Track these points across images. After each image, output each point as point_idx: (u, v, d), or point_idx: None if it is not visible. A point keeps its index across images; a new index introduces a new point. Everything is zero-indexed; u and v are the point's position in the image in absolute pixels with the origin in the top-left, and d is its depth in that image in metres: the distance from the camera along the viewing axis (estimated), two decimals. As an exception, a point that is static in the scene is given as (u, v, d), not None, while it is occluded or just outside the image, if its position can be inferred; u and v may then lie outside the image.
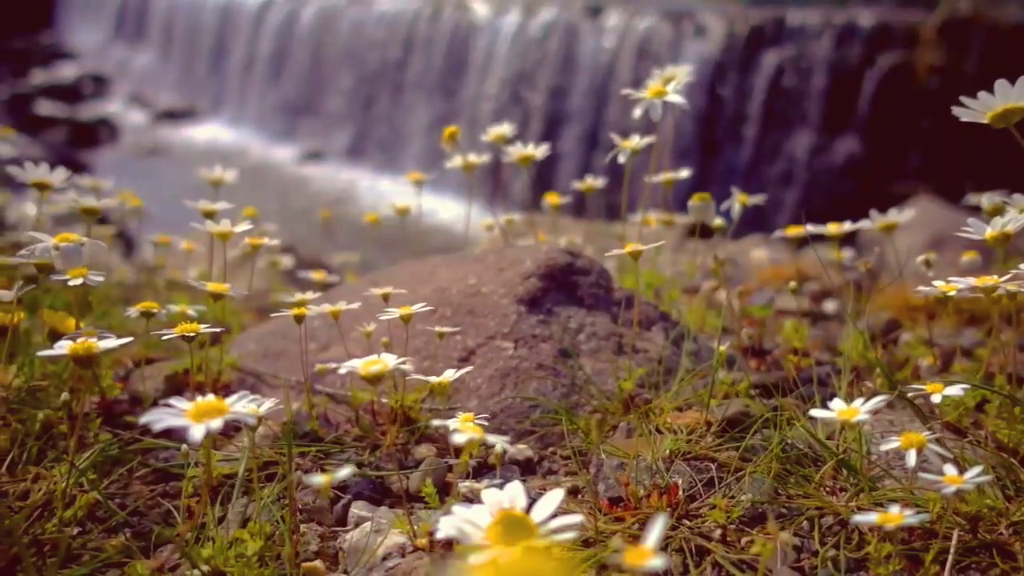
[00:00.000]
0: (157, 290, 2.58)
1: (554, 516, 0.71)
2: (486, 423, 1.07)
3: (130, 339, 1.11)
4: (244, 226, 1.46)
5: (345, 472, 0.86)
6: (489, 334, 1.60)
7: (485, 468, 1.35)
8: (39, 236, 1.28)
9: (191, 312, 1.50)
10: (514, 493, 0.74)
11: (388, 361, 1.05)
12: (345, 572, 1.07)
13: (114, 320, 1.90)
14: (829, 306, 2.48)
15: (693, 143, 8.93)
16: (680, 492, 1.15)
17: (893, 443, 1.00)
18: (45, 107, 14.09)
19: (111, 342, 1.05)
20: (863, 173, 8.39)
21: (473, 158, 2.06)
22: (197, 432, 0.81)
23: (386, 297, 1.47)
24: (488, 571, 0.55)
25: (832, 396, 1.21)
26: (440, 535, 0.71)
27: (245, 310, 2.46)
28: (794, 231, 1.88)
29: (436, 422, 1.05)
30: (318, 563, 1.06)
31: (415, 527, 1.09)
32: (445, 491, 1.26)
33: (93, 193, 2.16)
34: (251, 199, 2.61)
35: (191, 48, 14.95)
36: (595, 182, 2.15)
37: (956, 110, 1.12)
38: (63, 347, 1.03)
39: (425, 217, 2.55)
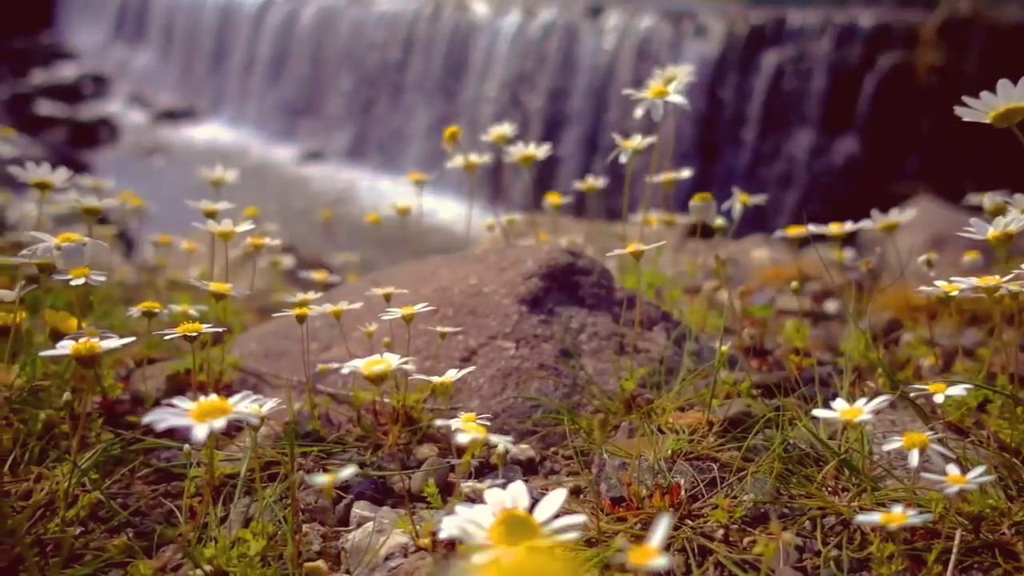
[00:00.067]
0: (158, 290, 2.58)
1: (557, 516, 0.71)
2: (488, 423, 1.07)
3: (132, 339, 1.11)
4: (246, 226, 1.46)
5: (348, 472, 0.86)
6: (491, 334, 1.60)
7: (487, 468, 1.35)
8: (41, 236, 1.28)
9: (193, 312, 1.50)
10: (517, 493, 0.74)
11: (391, 361, 1.05)
12: (348, 572, 1.07)
13: (115, 320, 1.90)
14: (830, 306, 2.48)
15: (693, 143, 8.93)
16: (682, 492, 1.15)
17: (895, 443, 1.00)
18: (45, 107, 14.09)
19: (113, 342, 1.05)
20: (863, 173, 8.39)
21: (474, 158, 2.07)
22: (200, 432, 0.81)
23: (388, 297, 1.47)
24: (493, 571, 0.55)
25: (834, 396, 1.21)
26: (443, 535, 0.71)
27: (246, 310, 2.46)
28: (795, 231, 1.88)
29: (439, 422, 1.05)
30: (320, 563, 1.06)
31: (417, 527, 1.09)
32: (447, 491, 1.25)
33: (94, 193, 2.16)
34: (251, 199, 2.60)
35: (191, 48, 14.96)
36: (596, 182, 2.15)
37: (958, 110, 1.12)
38: (65, 347, 1.03)
39: (425, 217, 2.55)
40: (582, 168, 9.08)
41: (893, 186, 7.75)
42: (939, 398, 1.11)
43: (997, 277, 1.19)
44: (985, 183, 2.10)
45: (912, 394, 1.24)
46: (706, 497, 1.17)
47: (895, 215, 1.72)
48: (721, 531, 1.08)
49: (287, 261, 2.86)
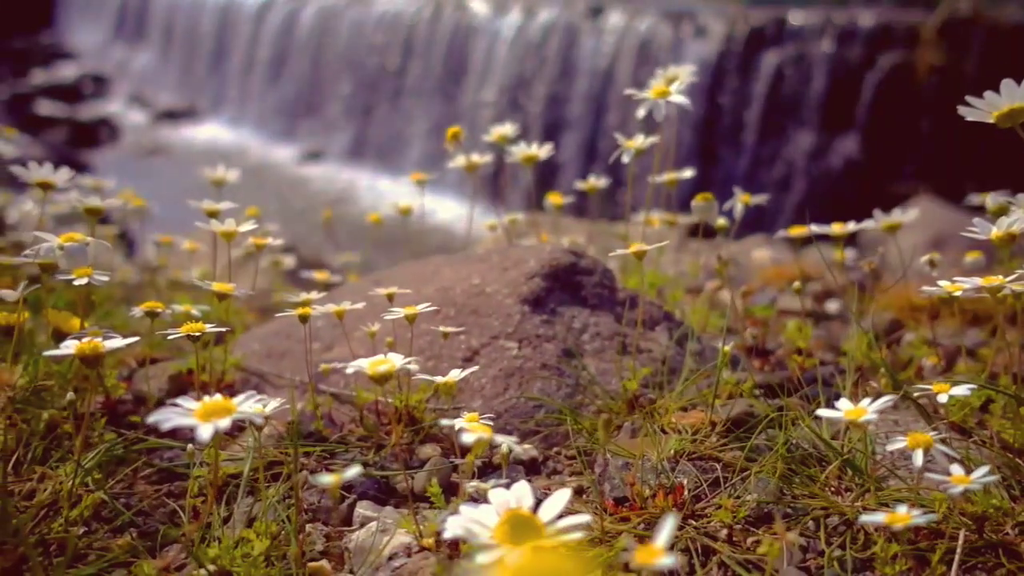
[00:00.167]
0: (159, 290, 2.58)
1: (561, 516, 0.71)
2: (491, 423, 1.07)
3: (136, 339, 1.11)
4: (248, 226, 1.46)
5: (353, 472, 0.86)
6: (493, 334, 1.60)
7: (490, 468, 1.35)
8: (43, 236, 1.28)
9: (195, 312, 1.50)
10: (521, 493, 0.74)
11: (395, 361, 1.05)
12: (351, 572, 1.07)
13: (117, 320, 1.90)
14: (831, 306, 2.48)
15: (693, 143, 8.93)
16: (685, 492, 1.15)
17: (899, 443, 1.00)
18: (45, 107, 14.09)
19: (117, 342, 1.05)
20: (863, 173, 8.39)
21: (476, 158, 2.07)
22: (205, 432, 0.81)
23: (390, 297, 1.47)
24: (503, 571, 0.55)
25: (836, 396, 1.21)
26: (447, 535, 0.71)
27: (248, 310, 2.46)
28: (797, 231, 1.88)
29: (444, 421, 1.05)
30: (324, 563, 1.06)
31: (421, 527, 1.09)
32: (450, 491, 1.26)
33: (95, 193, 2.16)
34: (251, 199, 2.60)
35: (191, 48, 14.95)
36: (598, 182, 2.15)
37: (962, 109, 1.12)
38: (69, 347, 1.03)
39: (425, 217, 2.55)
40: (582, 173, 9.06)
41: (893, 186, 7.75)
42: (943, 398, 1.11)
43: (1000, 277, 1.19)
44: (985, 183, 2.10)
45: (916, 394, 1.24)
46: (709, 497, 1.17)
47: (898, 215, 1.72)
48: (725, 531, 1.08)
49: (288, 261, 2.86)
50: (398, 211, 2.51)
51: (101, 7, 17.32)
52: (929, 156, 8.06)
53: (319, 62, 12.87)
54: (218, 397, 0.90)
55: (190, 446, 1.18)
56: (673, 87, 1.67)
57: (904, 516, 0.84)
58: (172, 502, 1.21)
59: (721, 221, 1.85)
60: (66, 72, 16.03)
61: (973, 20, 8.25)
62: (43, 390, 1.33)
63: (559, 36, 10.29)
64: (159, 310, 1.34)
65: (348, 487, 1.24)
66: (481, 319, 1.63)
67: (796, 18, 8.95)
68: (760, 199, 1.91)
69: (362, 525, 1.16)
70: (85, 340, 1.04)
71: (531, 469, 1.37)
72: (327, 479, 0.84)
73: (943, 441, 1.03)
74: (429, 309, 1.37)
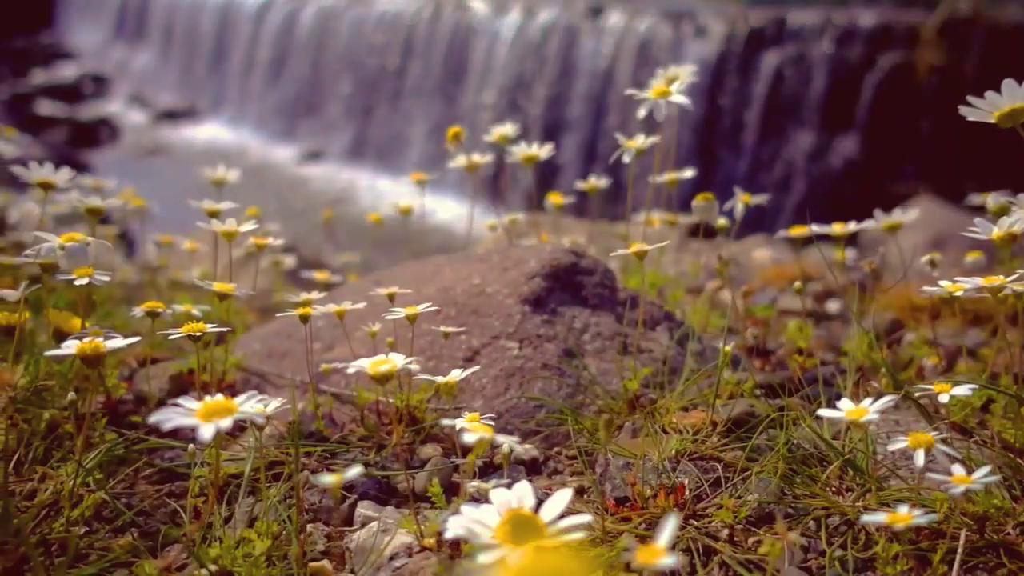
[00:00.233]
0: (159, 290, 2.58)
1: (563, 516, 0.71)
2: (492, 423, 1.07)
3: (137, 339, 1.11)
4: (249, 226, 1.46)
5: (354, 472, 0.86)
6: (494, 334, 1.60)
7: (491, 468, 1.35)
8: (45, 236, 1.28)
9: (196, 312, 1.50)
10: (522, 493, 0.74)
11: (397, 361, 1.05)
12: (352, 572, 1.07)
13: (118, 320, 1.90)
14: (832, 306, 2.48)
15: (693, 143, 8.93)
16: (687, 492, 1.15)
17: (901, 443, 1.00)
18: (45, 107, 14.09)
19: (118, 342, 1.05)
20: (863, 173, 8.39)
21: (477, 158, 2.07)
22: (207, 431, 0.81)
23: (391, 297, 1.47)
24: (508, 572, 0.55)
25: (838, 396, 1.21)
26: (449, 535, 0.71)
27: (248, 310, 2.46)
28: (798, 231, 1.88)
29: (445, 421, 1.05)
30: (325, 563, 1.06)
31: (422, 527, 1.09)
32: (451, 491, 1.26)
33: (96, 193, 2.16)
34: (251, 199, 2.60)
35: (191, 48, 14.95)
36: (598, 182, 2.15)
37: (963, 110, 1.12)
38: (70, 347, 1.03)
39: (425, 217, 2.55)
40: (582, 174, 9.05)
41: (893, 186, 7.75)
42: (944, 398, 1.11)
43: (1001, 277, 1.19)
44: (985, 183, 2.10)
45: (917, 394, 1.24)
46: (710, 497, 1.17)
47: (898, 215, 1.72)
48: (726, 531, 1.08)
49: (289, 261, 2.86)
50: (398, 211, 2.51)
51: (101, 7, 17.32)
52: (929, 156, 8.06)
53: (319, 62, 12.88)
54: (219, 397, 0.90)
55: (191, 446, 1.18)
56: (674, 87, 1.67)
57: (905, 516, 0.84)
58: (173, 502, 1.21)
59: (722, 221, 1.85)
60: (66, 72, 16.03)
61: (973, 20, 8.25)
62: (44, 390, 1.33)
63: (559, 36, 10.28)
64: (160, 310, 1.35)
65: (349, 487, 1.24)
66: (482, 319, 1.63)
67: (796, 18, 8.95)
68: (760, 199, 1.91)
69: (363, 525, 1.16)
70: (86, 340, 1.04)
71: (532, 469, 1.37)
72: (329, 479, 0.84)
73: (944, 441, 1.03)
74: (430, 309, 1.37)
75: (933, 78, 8.20)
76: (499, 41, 10.80)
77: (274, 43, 13.53)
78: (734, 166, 8.99)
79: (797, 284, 1.59)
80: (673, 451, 1.25)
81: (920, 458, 0.96)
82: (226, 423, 0.83)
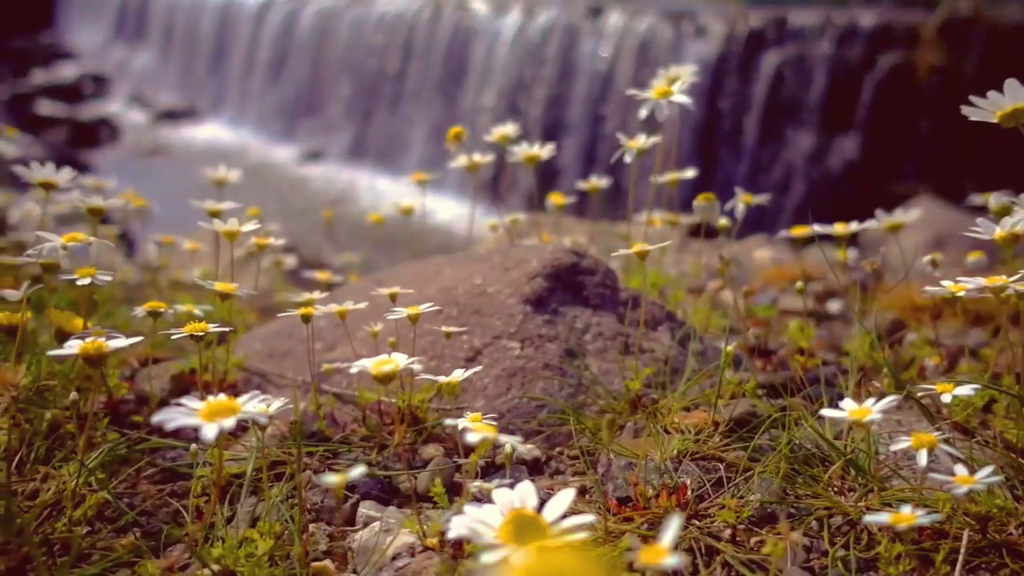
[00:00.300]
0: (160, 290, 2.58)
1: (566, 516, 0.71)
2: (494, 423, 1.07)
3: (140, 339, 1.11)
4: (251, 225, 1.46)
5: (358, 472, 0.86)
6: (495, 334, 1.60)
7: (493, 468, 1.35)
8: (46, 236, 1.28)
9: (197, 312, 1.50)
10: (525, 493, 0.74)
11: (399, 361, 1.05)
12: (355, 572, 1.07)
13: (119, 320, 1.90)
14: (833, 306, 2.48)
15: (694, 142, 8.93)
16: (689, 492, 1.15)
17: (903, 443, 1.00)
18: (45, 107, 14.09)
19: (121, 342, 1.05)
20: (863, 173, 8.39)
21: (478, 157, 2.07)
22: (210, 431, 0.81)
23: (393, 297, 1.47)
24: (516, 572, 0.55)
25: (840, 396, 1.21)
26: (452, 534, 0.71)
27: (249, 310, 2.45)
28: (799, 231, 1.88)
29: (448, 421, 1.05)
30: (328, 563, 1.06)
31: (424, 527, 1.09)
32: (453, 491, 1.26)
33: (97, 193, 2.16)
34: (251, 199, 2.60)
35: (191, 48, 14.95)
36: (599, 182, 2.15)
37: (965, 109, 1.12)
38: (73, 347, 1.03)
39: (425, 217, 2.55)
40: (582, 174, 9.04)
41: (893, 186, 7.75)
42: (947, 398, 1.11)
43: (1004, 277, 1.19)
44: (986, 183, 2.10)
45: (919, 394, 1.24)
46: (712, 497, 1.17)
47: (900, 215, 1.72)
48: (728, 531, 1.08)
49: (290, 261, 2.86)
50: (399, 211, 2.51)
51: (101, 7, 17.32)
52: (929, 156, 8.06)
53: (319, 63, 12.88)
54: (222, 397, 0.90)
55: (193, 446, 1.18)
56: (675, 87, 1.67)
57: (908, 516, 0.84)
58: (175, 502, 1.21)
59: (723, 221, 1.85)
60: (66, 72, 16.03)
61: (973, 20, 8.25)
62: (46, 390, 1.33)
63: (559, 37, 10.28)
64: (161, 310, 1.35)
65: (351, 487, 1.24)
66: (483, 319, 1.63)
67: (796, 18, 8.95)
68: (761, 199, 1.91)
69: (365, 525, 1.16)
70: (89, 340, 1.04)
71: (534, 469, 1.37)
72: (332, 479, 0.84)
73: (947, 441, 1.03)
74: (432, 309, 1.37)
75: (933, 78, 8.20)
76: (499, 42, 10.80)
77: (274, 43, 13.53)
78: (734, 168, 8.99)
79: (799, 284, 1.59)
80: (675, 451, 1.25)
81: (923, 458, 0.96)
82: (229, 423, 0.83)
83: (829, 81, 8.67)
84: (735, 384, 1.50)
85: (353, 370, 1.06)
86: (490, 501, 0.74)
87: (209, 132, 13.90)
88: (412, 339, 1.48)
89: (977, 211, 1.77)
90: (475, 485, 1.04)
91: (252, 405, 0.91)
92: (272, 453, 1.31)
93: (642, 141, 1.75)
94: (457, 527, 0.70)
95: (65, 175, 1.53)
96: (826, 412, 1.03)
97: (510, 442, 1.04)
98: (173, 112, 14.56)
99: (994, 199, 1.65)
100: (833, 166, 8.65)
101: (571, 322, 1.65)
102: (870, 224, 1.72)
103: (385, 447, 1.37)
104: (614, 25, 9.92)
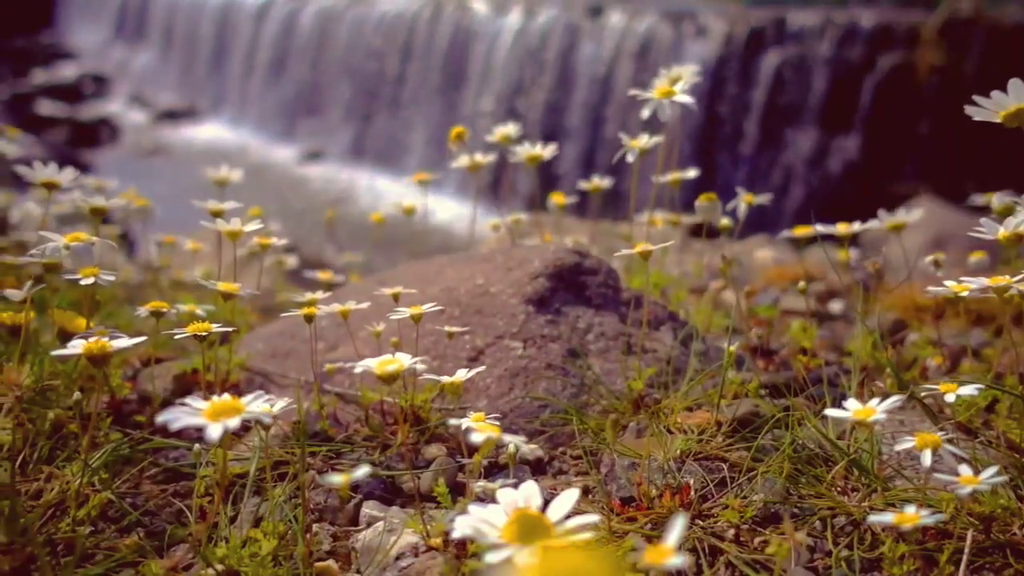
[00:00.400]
0: (161, 290, 2.58)
1: (570, 516, 0.71)
2: (497, 423, 1.07)
3: (143, 338, 1.11)
4: (253, 225, 1.46)
5: (362, 472, 0.86)
6: (498, 334, 1.60)
7: (495, 468, 1.34)
8: (49, 236, 1.28)
9: (200, 312, 1.50)
10: (529, 493, 0.74)
11: (403, 360, 1.05)
12: (358, 572, 1.07)
13: (121, 320, 1.90)
14: (835, 306, 2.48)
15: (695, 140, 8.94)
16: (692, 492, 1.15)
17: (907, 443, 0.99)
18: (46, 107, 14.09)
19: (124, 341, 1.05)
20: (863, 174, 8.40)
21: (479, 157, 2.07)
22: (215, 431, 0.81)
23: (396, 297, 1.47)
24: (526, 572, 0.55)
25: (842, 396, 1.21)
26: (456, 534, 0.71)
27: (251, 310, 2.45)
28: (801, 231, 1.88)
29: (452, 421, 1.05)
30: (331, 563, 1.06)
31: (428, 527, 1.09)
32: (456, 491, 1.25)
33: (98, 193, 2.16)
34: (251, 199, 2.60)
35: (191, 48, 14.95)
36: (601, 182, 2.15)
37: (969, 109, 1.12)
38: (77, 346, 1.03)
39: (426, 217, 2.55)
40: (583, 174, 9.03)
41: (893, 186, 7.75)
42: (950, 398, 1.11)
43: (1007, 277, 1.19)
44: (986, 183, 2.10)
45: (921, 394, 1.24)
46: (716, 497, 1.17)
47: (902, 215, 1.72)
48: (732, 531, 1.08)
49: (291, 261, 2.86)
50: (401, 211, 2.50)
51: (101, 7, 17.33)
52: (929, 156, 8.07)
53: (319, 63, 12.88)
54: (226, 397, 0.90)
55: (196, 446, 1.18)
56: (677, 87, 1.67)
57: (912, 516, 0.84)
58: (179, 502, 1.21)
59: (724, 221, 1.85)
60: (66, 72, 16.03)
61: (973, 20, 8.26)
62: (49, 390, 1.33)
63: (559, 38, 10.28)
64: (164, 310, 1.34)
65: (355, 487, 1.24)
66: (486, 319, 1.63)
67: (796, 19, 8.95)
68: (763, 198, 1.91)
69: (369, 525, 1.16)
70: (92, 340, 1.04)
71: (537, 469, 1.37)
72: (337, 479, 0.84)
73: (950, 441, 1.03)
74: (434, 309, 1.37)
75: (933, 78, 8.20)
76: (499, 42, 10.80)
77: (274, 43, 13.53)
78: (733, 170, 8.99)
79: (801, 284, 1.59)
80: (678, 451, 1.24)
81: (927, 458, 0.96)
82: (234, 423, 0.83)
83: (829, 81, 8.68)
84: (738, 384, 1.50)
85: (357, 370, 1.05)
86: (494, 501, 0.74)
87: (209, 132, 13.90)
88: (415, 339, 1.48)
89: (978, 211, 1.78)
90: (479, 485, 1.04)
91: (256, 405, 0.91)
92: (275, 453, 1.31)
93: (644, 141, 1.75)
94: (461, 527, 0.70)
95: (68, 175, 1.53)
96: (830, 412, 1.03)
97: (514, 442, 1.04)
98: (173, 112, 14.56)
99: (997, 199, 1.65)
100: (833, 166, 8.65)
101: (573, 322, 1.65)
102: (873, 224, 1.72)
103: (388, 447, 1.37)
104: (614, 25, 9.92)
